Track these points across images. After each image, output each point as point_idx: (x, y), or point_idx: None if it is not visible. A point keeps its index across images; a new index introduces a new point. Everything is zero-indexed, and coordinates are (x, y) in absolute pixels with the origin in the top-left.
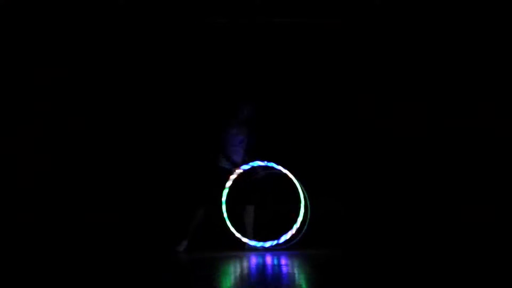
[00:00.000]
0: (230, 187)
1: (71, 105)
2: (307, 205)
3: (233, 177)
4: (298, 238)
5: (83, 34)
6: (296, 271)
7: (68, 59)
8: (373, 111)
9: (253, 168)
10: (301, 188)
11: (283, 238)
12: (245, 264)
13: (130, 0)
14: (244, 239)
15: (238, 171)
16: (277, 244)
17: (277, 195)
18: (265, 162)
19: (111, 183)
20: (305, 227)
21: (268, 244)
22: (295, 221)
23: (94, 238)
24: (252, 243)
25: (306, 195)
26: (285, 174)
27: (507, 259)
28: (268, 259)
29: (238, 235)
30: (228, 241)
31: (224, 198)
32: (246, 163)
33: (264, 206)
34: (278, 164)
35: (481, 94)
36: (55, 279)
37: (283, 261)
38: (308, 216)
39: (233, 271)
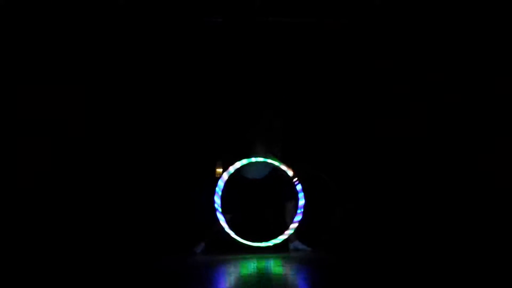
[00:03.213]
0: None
1: (71, 105)
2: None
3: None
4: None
5: (83, 33)
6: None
7: (68, 59)
8: (373, 111)
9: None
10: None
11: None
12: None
13: (130, 0)
14: (242, 240)
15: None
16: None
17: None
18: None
19: (126, 181)
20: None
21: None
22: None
23: (110, 238)
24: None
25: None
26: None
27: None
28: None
29: (235, 236)
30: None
31: (217, 202)
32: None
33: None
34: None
35: (483, 93)
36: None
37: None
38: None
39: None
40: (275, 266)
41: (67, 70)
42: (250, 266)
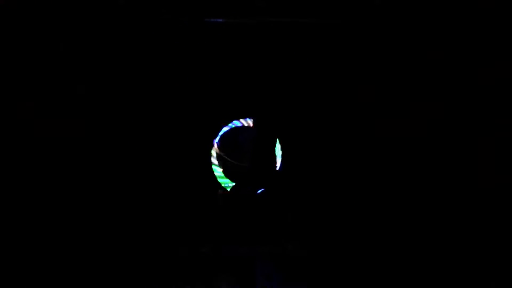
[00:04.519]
0: None
1: (70, 105)
2: None
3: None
4: None
5: (83, 33)
6: None
7: (67, 59)
8: (373, 111)
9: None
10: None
11: None
12: None
13: (130, 0)
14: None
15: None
16: None
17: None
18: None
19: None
20: None
21: None
22: None
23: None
24: None
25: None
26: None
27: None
28: None
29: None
30: None
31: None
32: None
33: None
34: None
35: (483, 93)
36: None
37: None
38: None
39: None
40: None
41: (65, 71)
42: None
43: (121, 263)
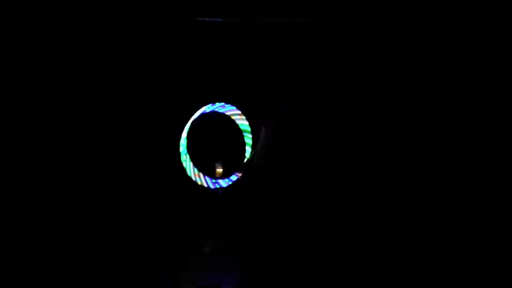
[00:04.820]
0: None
1: (68, 106)
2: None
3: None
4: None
5: (82, 33)
6: None
7: (66, 59)
8: (372, 112)
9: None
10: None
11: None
12: None
13: (130, 0)
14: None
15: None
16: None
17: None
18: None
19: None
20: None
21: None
22: None
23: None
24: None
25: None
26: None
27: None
28: None
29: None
30: None
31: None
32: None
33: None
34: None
35: (483, 94)
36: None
37: None
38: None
39: None
40: None
41: (64, 71)
42: None
43: (118, 263)
